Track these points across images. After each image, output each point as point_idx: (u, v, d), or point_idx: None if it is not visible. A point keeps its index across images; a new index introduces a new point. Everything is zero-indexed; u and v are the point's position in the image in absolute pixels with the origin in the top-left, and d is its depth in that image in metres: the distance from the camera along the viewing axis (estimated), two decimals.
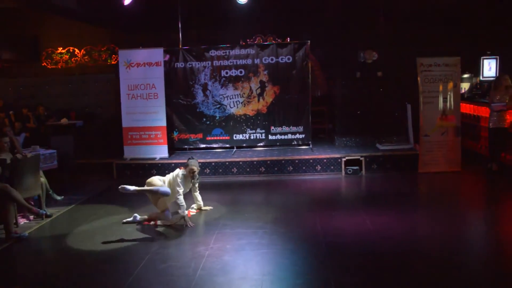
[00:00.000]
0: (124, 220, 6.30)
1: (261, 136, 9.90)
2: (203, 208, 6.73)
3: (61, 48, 12.65)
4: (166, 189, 6.05)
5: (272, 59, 9.73)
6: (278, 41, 11.11)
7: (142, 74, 9.43)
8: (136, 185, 6.09)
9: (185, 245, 5.40)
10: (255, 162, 8.98)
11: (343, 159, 8.78)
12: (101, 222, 6.38)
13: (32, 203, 6.70)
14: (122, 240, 5.64)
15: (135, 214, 6.30)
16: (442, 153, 8.60)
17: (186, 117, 9.94)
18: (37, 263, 5.17)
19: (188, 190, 6.45)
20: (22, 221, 6.45)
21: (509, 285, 4.22)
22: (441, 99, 8.58)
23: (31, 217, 6.55)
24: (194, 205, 6.74)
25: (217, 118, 9.91)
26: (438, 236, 5.49)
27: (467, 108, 10.01)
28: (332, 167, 8.82)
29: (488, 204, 7.06)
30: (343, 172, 8.73)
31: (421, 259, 4.80)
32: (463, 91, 10.78)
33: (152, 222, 6.20)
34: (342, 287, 4.20)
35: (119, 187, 5.98)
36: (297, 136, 9.83)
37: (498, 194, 7.33)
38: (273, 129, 9.85)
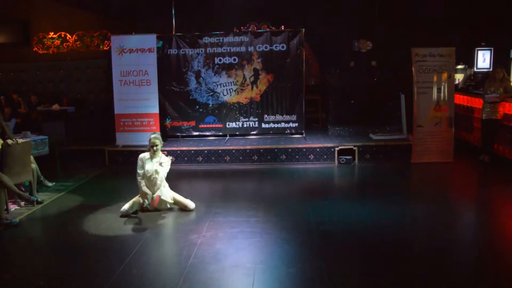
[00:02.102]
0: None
1: (254, 124, 9.86)
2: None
3: (53, 33, 12.43)
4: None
5: (266, 47, 9.65)
6: (272, 29, 11.01)
7: (134, 60, 9.33)
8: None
9: (177, 233, 5.38)
10: (248, 151, 8.95)
11: (336, 149, 8.78)
12: (93, 209, 6.34)
13: (23, 189, 6.68)
14: (113, 228, 5.61)
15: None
16: (435, 144, 8.61)
17: (179, 104, 9.87)
18: (27, 250, 5.13)
19: (153, 170, 6.01)
20: (12, 207, 6.39)
21: (497, 272, 4.24)
22: (435, 90, 8.57)
23: (22, 203, 6.50)
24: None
25: (210, 105, 9.85)
26: (429, 225, 5.54)
27: (460, 99, 10.03)
28: (325, 156, 8.82)
29: (478, 194, 7.10)
30: (336, 161, 8.73)
31: (413, 247, 4.84)
32: (457, 82, 10.79)
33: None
34: (334, 276, 4.20)
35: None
36: (290, 124, 9.80)
37: (489, 185, 7.36)
38: (266, 117, 9.82)
